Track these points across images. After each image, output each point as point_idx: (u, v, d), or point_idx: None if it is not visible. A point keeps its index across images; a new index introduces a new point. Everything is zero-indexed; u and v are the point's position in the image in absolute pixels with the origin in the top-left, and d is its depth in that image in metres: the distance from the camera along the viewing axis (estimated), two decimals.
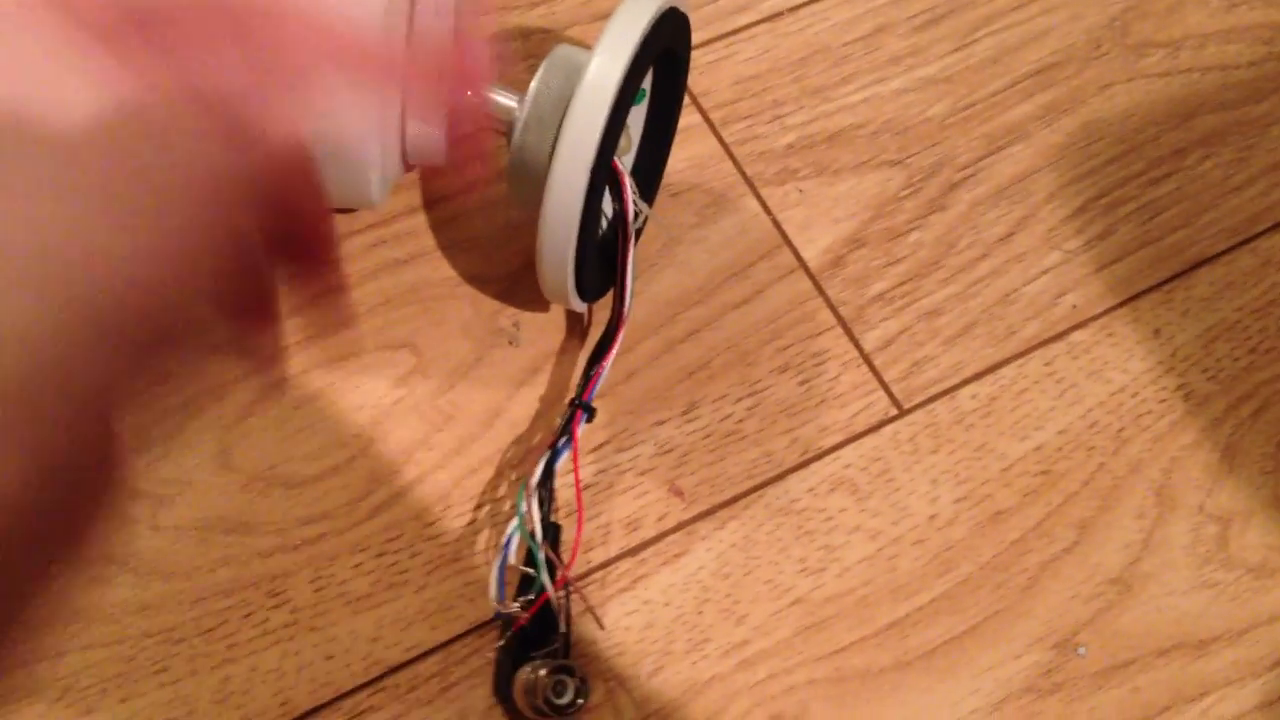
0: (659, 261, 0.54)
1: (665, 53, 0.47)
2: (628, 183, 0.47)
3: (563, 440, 0.46)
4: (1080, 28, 0.62)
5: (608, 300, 0.48)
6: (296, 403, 0.49)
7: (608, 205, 0.48)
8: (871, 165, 0.57)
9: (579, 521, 0.46)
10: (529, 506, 0.44)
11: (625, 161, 0.49)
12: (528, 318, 0.52)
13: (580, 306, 0.49)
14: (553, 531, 0.46)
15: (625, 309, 0.47)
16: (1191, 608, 0.50)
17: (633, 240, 0.48)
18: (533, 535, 0.44)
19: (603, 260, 0.49)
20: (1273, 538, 0.51)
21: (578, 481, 0.47)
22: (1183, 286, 0.56)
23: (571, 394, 0.48)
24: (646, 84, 0.50)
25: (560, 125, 0.43)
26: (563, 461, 0.46)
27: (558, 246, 0.44)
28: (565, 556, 0.46)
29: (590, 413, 0.47)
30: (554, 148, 0.43)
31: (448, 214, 0.53)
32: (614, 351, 0.48)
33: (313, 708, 0.45)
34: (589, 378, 0.47)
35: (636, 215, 0.48)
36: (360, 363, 0.50)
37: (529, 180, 0.45)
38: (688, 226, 0.55)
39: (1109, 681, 0.48)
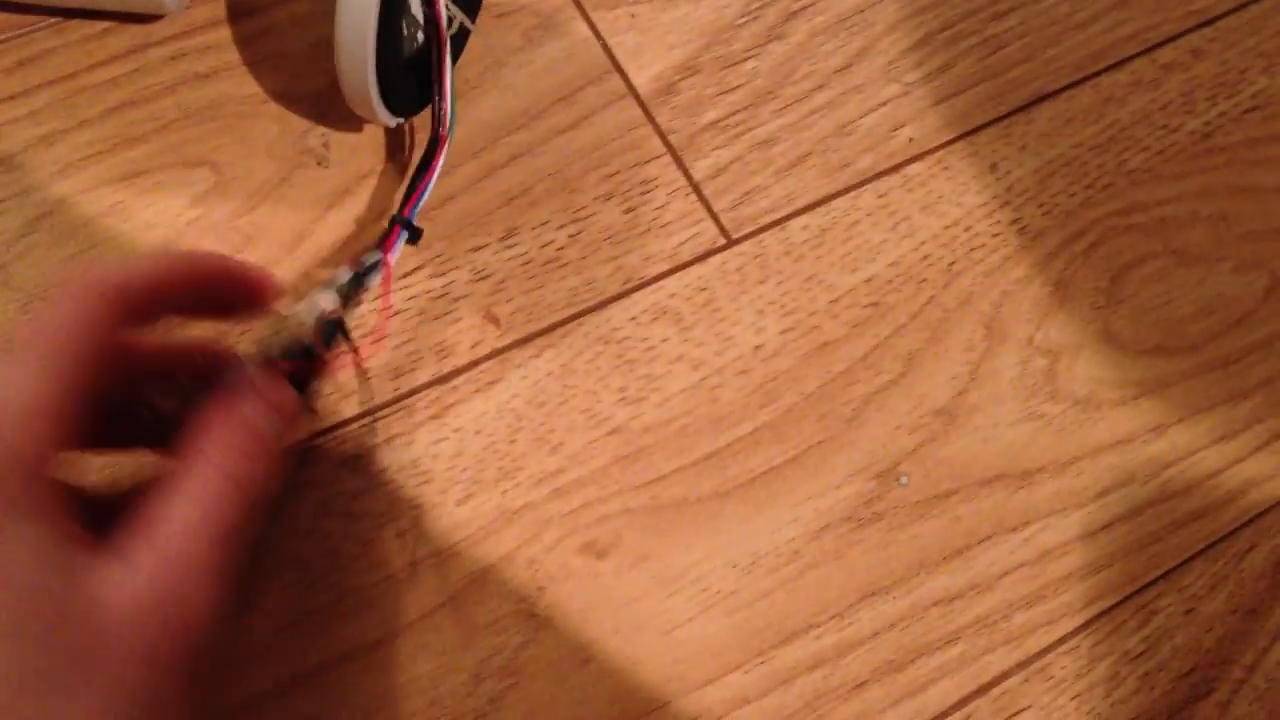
0: (481, 84, 0.51)
1: None
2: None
3: (375, 256, 0.43)
4: None
5: (427, 121, 0.45)
6: (82, 220, 0.46)
7: (421, 15, 0.46)
8: None
9: (377, 341, 0.44)
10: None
11: None
12: (340, 138, 0.49)
13: (389, 120, 0.46)
14: (328, 329, 0.41)
15: (446, 120, 0.45)
16: (1017, 439, 0.49)
17: (447, 47, 0.45)
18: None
19: (419, 74, 0.46)
20: (1100, 371, 0.50)
21: (386, 305, 0.44)
22: (1022, 122, 0.55)
23: (389, 216, 0.45)
24: None
25: None
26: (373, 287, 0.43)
27: (354, 46, 0.42)
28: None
29: (412, 231, 0.44)
30: None
31: (256, 28, 0.50)
32: (437, 166, 0.45)
33: None
34: (410, 194, 0.44)
35: (451, 21, 0.45)
36: (153, 180, 0.47)
37: None
38: (513, 49, 0.52)
39: (930, 511, 0.47)
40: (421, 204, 0.45)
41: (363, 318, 0.46)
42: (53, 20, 0.49)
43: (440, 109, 0.45)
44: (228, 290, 0.36)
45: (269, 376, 0.37)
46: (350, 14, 0.41)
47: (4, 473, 0.28)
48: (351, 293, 0.41)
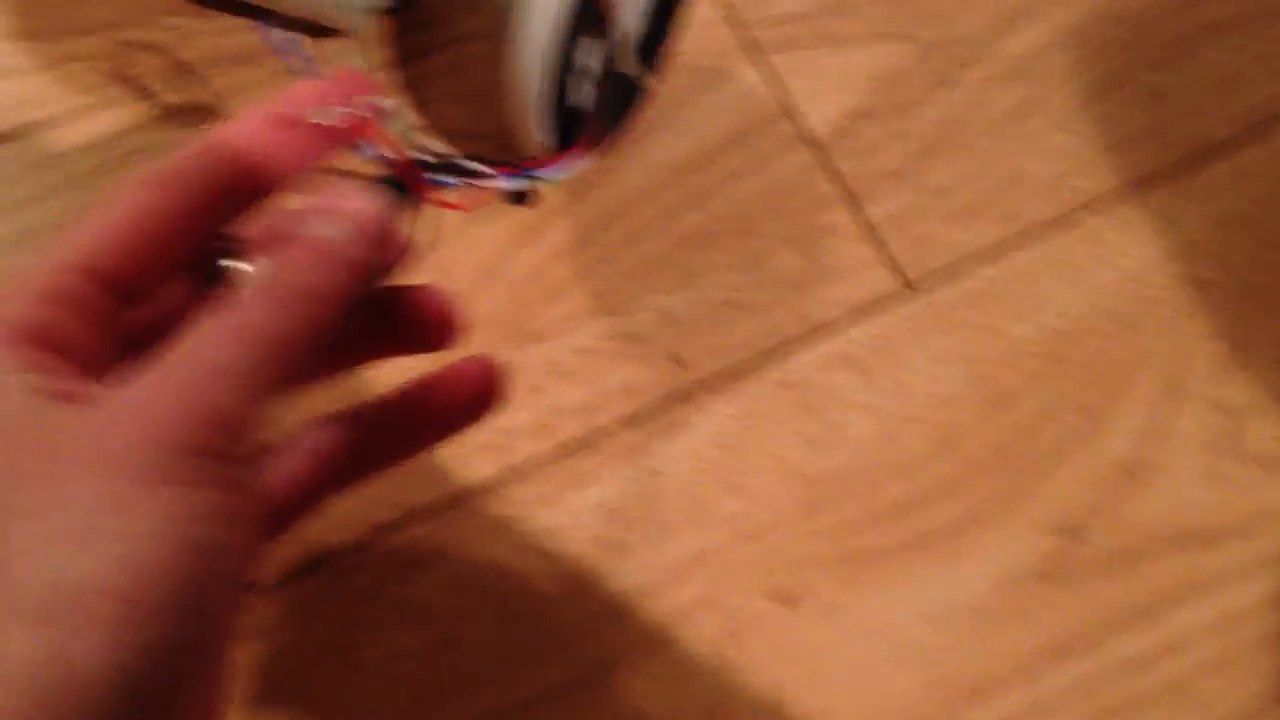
0: (659, 126, 0.51)
1: None
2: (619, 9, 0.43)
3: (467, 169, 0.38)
4: None
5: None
6: None
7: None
8: (881, 37, 0.55)
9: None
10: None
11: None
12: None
13: (542, 142, 0.45)
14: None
15: (601, 121, 0.43)
16: (1199, 497, 0.48)
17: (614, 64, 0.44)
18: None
19: (580, 122, 0.46)
20: None
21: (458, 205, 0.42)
22: (1193, 175, 0.54)
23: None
24: None
25: None
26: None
27: (524, 87, 0.41)
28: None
29: (529, 186, 0.41)
30: None
31: (445, 64, 0.50)
32: (575, 159, 0.43)
33: (302, 563, 0.42)
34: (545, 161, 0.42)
35: (634, 75, 0.45)
36: None
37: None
38: (690, 91, 0.52)
39: (1115, 569, 0.47)
40: (544, 175, 0.42)
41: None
42: (254, 52, 0.49)
43: (594, 111, 0.44)
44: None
45: (343, 185, 0.31)
46: (523, 58, 0.41)
47: None
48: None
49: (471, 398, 0.35)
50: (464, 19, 0.52)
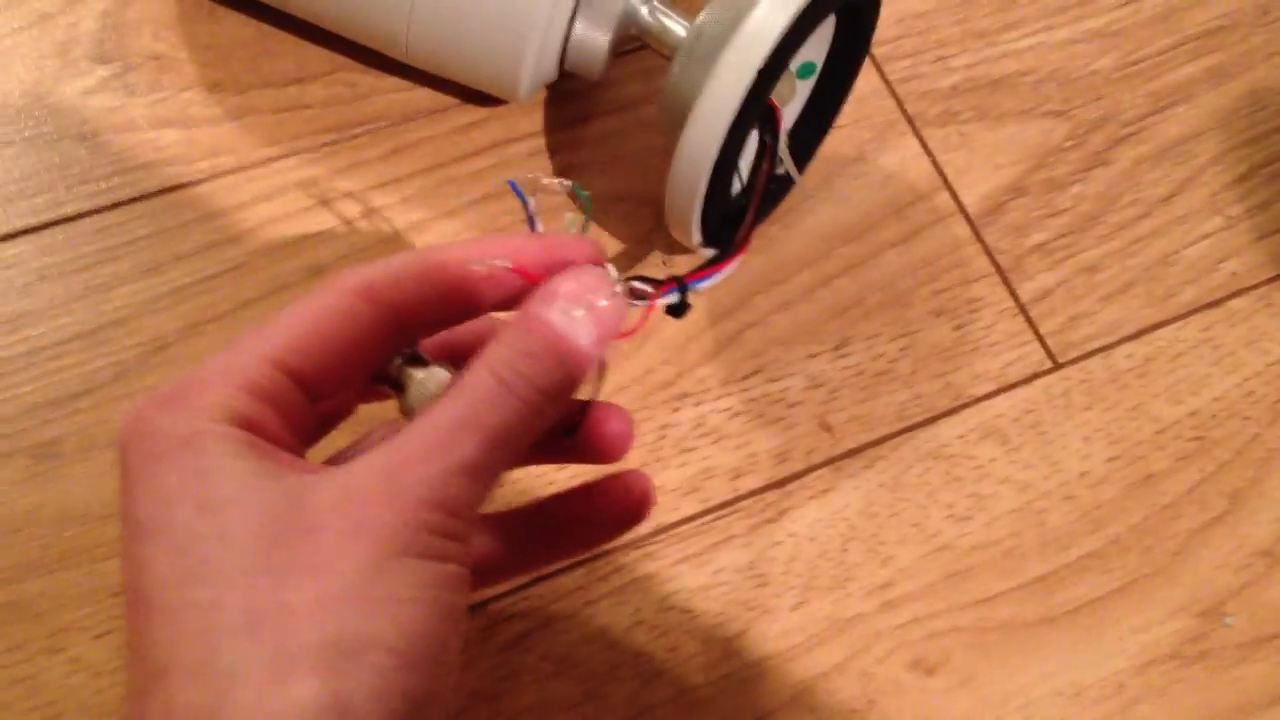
0: (817, 194, 0.52)
1: (848, 8, 0.45)
2: (782, 117, 0.45)
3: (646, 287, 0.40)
4: None
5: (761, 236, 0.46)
6: None
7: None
8: (1035, 114, 0.56)
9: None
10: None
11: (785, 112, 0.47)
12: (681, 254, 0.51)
13: (698, 242, 0.47)
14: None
15: (752, 224, 0.45)
16: None
17: (773, 167, 0.46)
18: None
19: (735, 215, 0.47)
20: None
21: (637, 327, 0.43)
22: None
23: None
24: (818, 58, 0.48)
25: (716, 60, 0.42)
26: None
27: (688, 177, 0.43)
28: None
29: (683, 296, 0.42)
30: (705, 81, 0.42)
31: (605, 130, 0.53)
32: (733, 262, 0.44)
33: None
34: (702, 269, 0.44)
35: (780, 162, 0.46)
36: None
37: (678, 110, 0.44)
38: (847, 161, 0.54)
39: (1255, 654, 0.47)
40: (700, 287, 0.43)
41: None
42: (426, 111, 0.52)
43: (752, 212, 0.45)
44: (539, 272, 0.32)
45: (581, 270, 0.31)
46: (692, 148, 0.42)
47: (208, 426, 0.27)
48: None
49: (627, 509, 0.37)
50: (611, 94, 0.54)
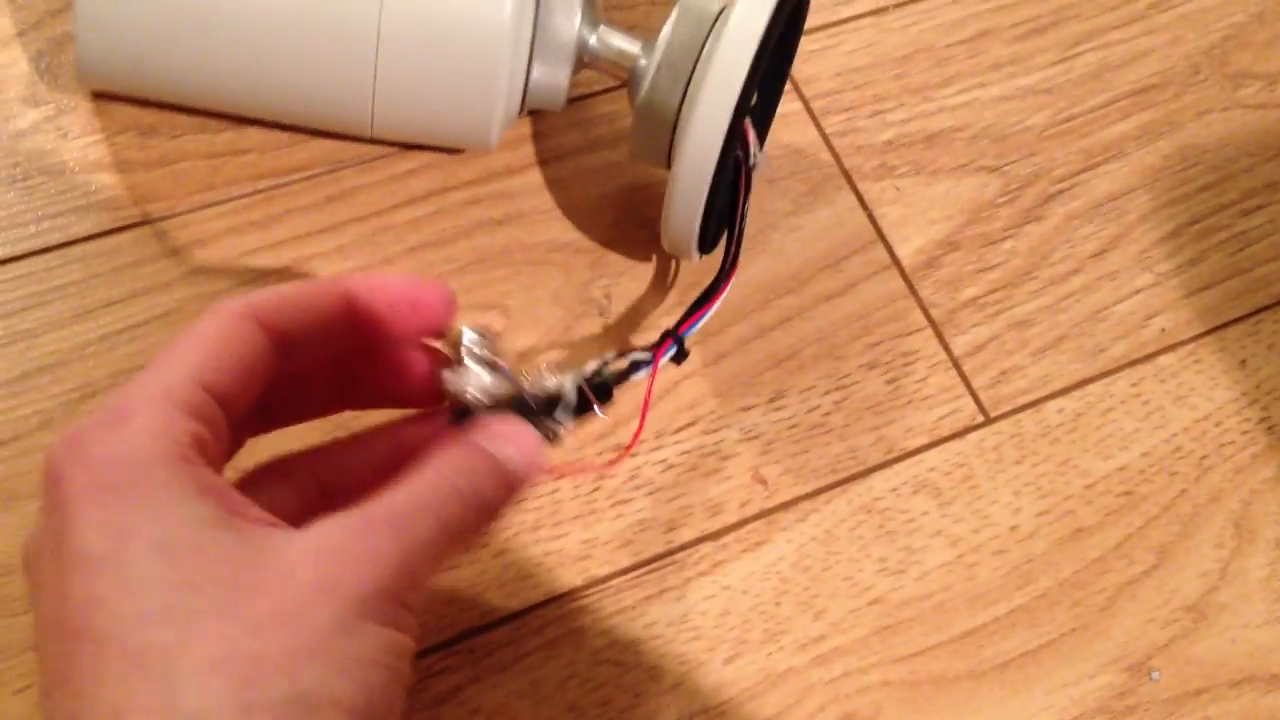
0: (753, 246, 0.53)
1: (792, 14, 0.46)
2: (751, 132, 0.46)
3: (644, 356, 0.42)
4: (1180, 52, 0.62)
5: (698, 272, 0.46)
6: None
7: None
8: (969, 169, 0.56)
9: (638, 429, 0.44)
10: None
11: None
12: (619, 290, 0.51)
13: (697, 259, 0.48)
14: (603, 390, 0.39)
15: (737, 254, 0.46)
16: (1266, 641, 0.49)
17: (750, 188, 0.46)
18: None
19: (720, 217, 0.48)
20: None
21: (647, 402, 0.44)
22: (1270, 319, 0.56)
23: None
24: None
25: (693, 74, 0.43)
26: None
27: (690, 196, 0.44)
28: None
29: (680, 346, 0.44)
30: (686, 96, 0.43)
31: (547, 178, 0.53)
32: (720, 298, 0.46)
33: None
34: (690, 314, 0.45)
35: (754, 166, 0.47)
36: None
37: (656, 130, 0.45)
38: (783, 214, 0.54)
39: (1181, 709, 0.48)
40: (697, 329, 0.45)
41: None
42: (363, 158, 0.51)
43: (738, 239, 0.46)
44: (393, 308, 0.35)
45: (503, 415, 0.35)
46: (690, 172, 0.43)
47: (145, 457, 0.28)
48: (607, 381, 0.40)
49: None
50: (549, 143, 0.54)
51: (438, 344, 0.37)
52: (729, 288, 0.46)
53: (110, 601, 0.26)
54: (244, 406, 0.32)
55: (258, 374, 0.32)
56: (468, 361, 0.36)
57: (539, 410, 0.37)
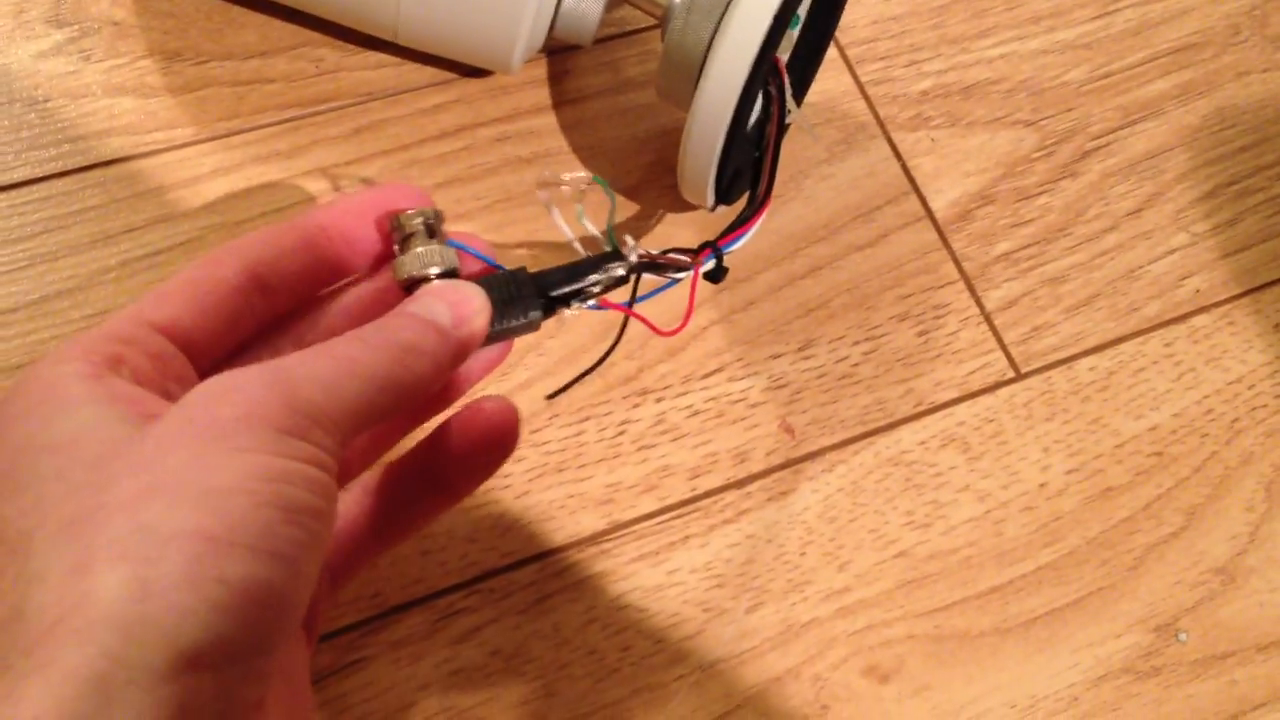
0: (785, 194, 0.52)
1: None
2: (785, 76, 0.45)
3: (682, 257, 0.41)
4: (1221, 11, 0.60)
5: (725, 219, 0.45)
6: None
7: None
8: (1005, 123, 0.55)
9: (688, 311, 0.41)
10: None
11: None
12: (644, 233, 0.50)
13: (712, 204, 0.46)
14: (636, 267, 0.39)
15: (771, 182, 0.44)
16: None
17: (783, 118, 0.45)
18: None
19: (743, 168, 0.47)
20: None
21: (690, 308, 0.42)
22: None
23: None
24: (802, 9, 0.48)
25: (724, 15, 0.42)
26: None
27: (707, 136, 0.43)
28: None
29: (719, 261, 0.42)
30: (714, 37, 0.42)
31: (576, 118, 0.51)
32: (760, 218, 0.43)
33: (404, 603, 0.43)
34: (728, 231, 0.44)
35: (788, 112, 0.46)
36: None
37: (683, 70, 0.44)
38: (816, 161, 0.53)
39: (1207, 671, 0.47)
40: (734, 248, 0.43)
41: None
42: (391, 90, 0.50)
43: (773, 166, 0.45)
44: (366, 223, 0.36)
45: (450, 281, 0.34)
46: (707, 114, 0.42)
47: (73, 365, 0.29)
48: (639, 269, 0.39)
49: (489, 433, 0.37)
50: (573, 83, 0.53)
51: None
52: (765, 213, 0.44)
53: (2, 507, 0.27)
54: (219, 339, 0.33)
55: (226, 309, 0.33)
56: (413, 244, 0.35)
57: (517, 296, 0.36)
